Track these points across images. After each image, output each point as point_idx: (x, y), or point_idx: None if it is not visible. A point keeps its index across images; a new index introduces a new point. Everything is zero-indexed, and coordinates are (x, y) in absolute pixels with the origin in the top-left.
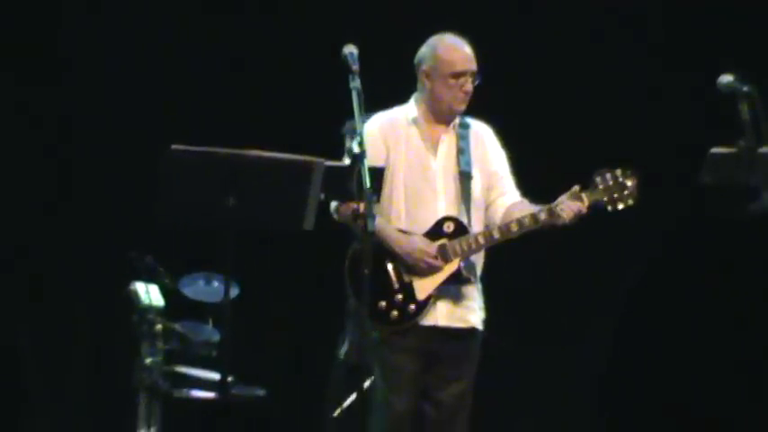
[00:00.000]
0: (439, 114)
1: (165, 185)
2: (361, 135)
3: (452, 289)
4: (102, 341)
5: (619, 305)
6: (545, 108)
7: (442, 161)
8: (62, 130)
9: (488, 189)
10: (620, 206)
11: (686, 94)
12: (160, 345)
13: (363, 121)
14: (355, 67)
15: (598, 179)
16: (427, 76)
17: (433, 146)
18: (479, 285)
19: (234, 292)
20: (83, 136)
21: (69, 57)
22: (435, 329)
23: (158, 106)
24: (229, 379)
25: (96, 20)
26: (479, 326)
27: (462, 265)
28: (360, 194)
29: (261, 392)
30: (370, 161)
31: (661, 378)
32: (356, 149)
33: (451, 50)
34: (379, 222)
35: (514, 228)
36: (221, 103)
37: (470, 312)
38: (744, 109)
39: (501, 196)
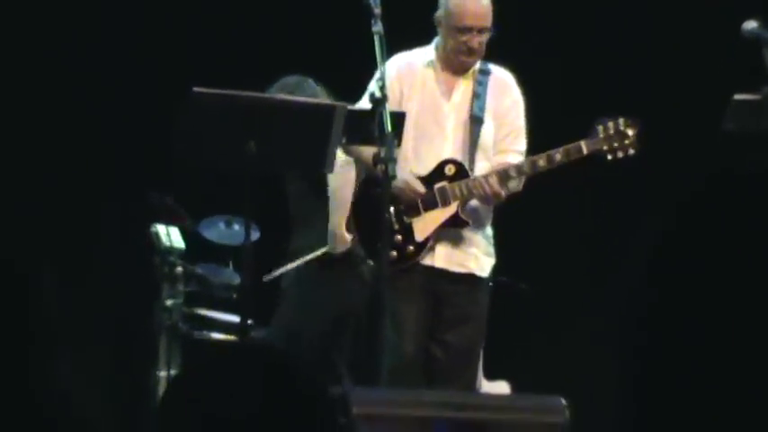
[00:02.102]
0: (450, 63)
1: (186, 128)
2: (383, 79)
3: (452, 232)
4: (122, 283)
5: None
6: (564, 56)
7: (456, 105)
8: (84, 72)
9: (499, 140)
10: (621, 155)
11: (710, 40)
12: (180, 287)
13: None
14: (378, 10)
15: (599, 128)
16: (439, 24)
17: (449, 90)
18: (488, 232)
19: (254, 235)
20: (104, 78)
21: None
22: (433, 270)
23: (181, 47)
24: (249, 322)
25: None
26: (480, 272)
27: (463, 209)
28: (381, 138)
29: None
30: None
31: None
32: (378, 94)
33: (461, 4)
34: (365, 149)
35: (513, 173)
36: (243, 45)
37: (470, 258)
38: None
39: (504, 153)
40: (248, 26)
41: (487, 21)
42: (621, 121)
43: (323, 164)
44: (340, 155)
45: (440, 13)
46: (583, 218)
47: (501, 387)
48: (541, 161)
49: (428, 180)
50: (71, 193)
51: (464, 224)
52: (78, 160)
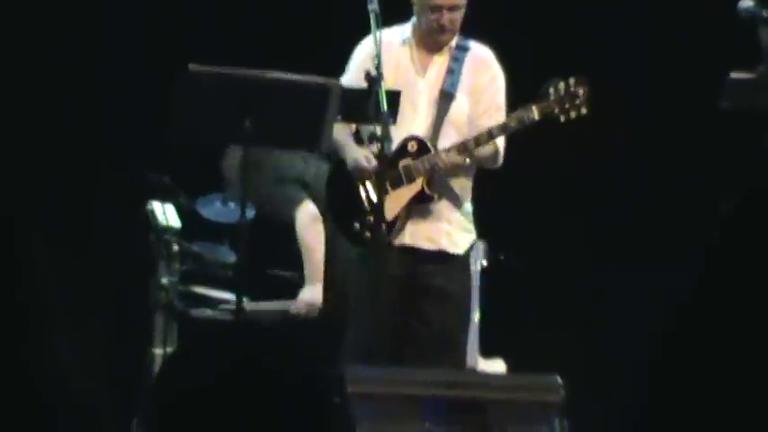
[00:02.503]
0: (425, 41)
1: (182, 106)
2: (379, 57)
3: (422, 209)
4: (119, 261)
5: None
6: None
7: (430, 82)
8: (79, 51)
9: (477, 116)
10: (573, 115)
11: (706, 18)
12: (176, 265)
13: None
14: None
15: (549, 90)
16: (413, 3)
17: (423, 67)
18: (467, 208)
19: (250, 213)
20: (99, 56)
21: None
22: (404, 248)
23: (178, 25)
24: (245, 300)
25: None
26: (453, 249)
27: (430, 184)
28: (376, 117)
29: (277, 306)
30: (357, 82)
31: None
32: (373, 72)
33: None
34: (336, 132)
35: (471, 144)
36: (237, 22)
37: (441, 234)
38: (764, 34)
39: (479, 128)
40: (244, 3)
41: None
42: (572, 80)
43: (318, 142)
44: (310, 210)
45: None
46: (580, 194)
47: (497, 365)
48: (496, 129)
49: (394, 158)
50: (67, 172)
51: (430, 200)
52: (75, 138)
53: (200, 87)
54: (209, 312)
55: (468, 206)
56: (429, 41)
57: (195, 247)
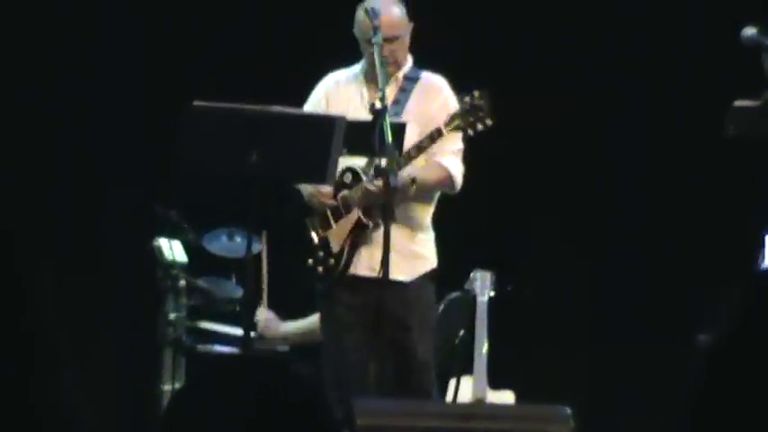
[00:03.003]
0: (372, 75)
1: (186, 141)
2: (383, 90)
3: (364, 238)
4: (126, 296)
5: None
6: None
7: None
8: (88, 85)
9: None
10: (480, 128)
11: (710, 46)
12: (184, 300)
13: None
14: (377, 22)
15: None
16: (356, 39)
17: (371, 99)
18: (420, 235)
19: (256, 247)
20: (108, 90)
21: (94, 15)
22: (356, 279)
23: (185, 59)
24: (252, 334)
25: None
26: (397, 276)
27: (366, 213)
28: (381, 150)
29: (284, 348)
30: None
31: None
32: (378, 105)
33: (365, 15)
34: None
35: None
36: (241, 58)
37: (378, 262)
38: (767, 62)
39: (435, 155)
40: (248, 37)
41: (395, 30)
42: (475, 93)
43: (323, 175)
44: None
45: (354, 28)
46: (588, 224)
47: (506, 397)
48: (413, 151)
49: (335, 191)
50: (75, 207)
51: (366, 227)
52: (82, 173)
53: (206, 122)
54: (216, 347)
55: (422, 235)
56: (375, 75)
57: (202, 283)
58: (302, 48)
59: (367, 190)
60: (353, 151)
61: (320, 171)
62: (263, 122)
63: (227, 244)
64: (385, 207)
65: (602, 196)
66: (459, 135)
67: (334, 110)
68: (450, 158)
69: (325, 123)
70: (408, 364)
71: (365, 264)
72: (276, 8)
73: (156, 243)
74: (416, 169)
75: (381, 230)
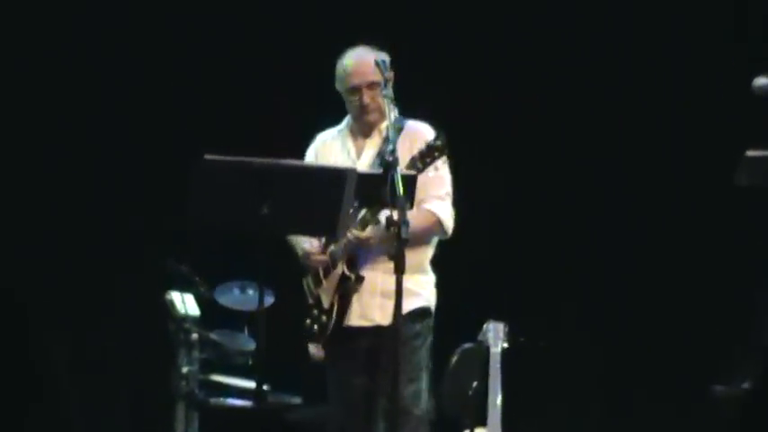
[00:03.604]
0: (358, 128)
1: (198, 195)
2: (393, 143)
3: (349, 290)
4: (139, 350)
5: None
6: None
7: (365, 164)
8: (98, 139)
9: (418, 189)
10: (430, 163)
11: (722, 95)
12: (196, 353)
13: (396, 128)
14: (387, 74)
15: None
16: (339, 93)
17: (358, 154)
18: (419, 277)
19: (268, 300)
20: (118, 145)
21: (101, 67)
22: (351, 330)
23: (194, 112)
24: (265, 387)
25: (122, 25)
26: (386, 321)
27: (350, 266)
28: (393, 201)
29: (297, 400)
30: None
31: None
32: (388, 157)
33: (343, 67)
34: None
35: (368, 216)
36: (251, 111)
37: (374, 309)
38: None
39: (423, 202)
40: (257, 90)
41: (373, 75)
42: (432, 135)
43: (335, 228)
44: None
45: (336, 83)
46: (602, 282)
47: None
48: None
49: (324, 247)
50: (88, 261)
51: (349, 279)
52: (94, 227)
53: (217, 176)
54: (229, 401)
55: (419, 277)
56: (360, 127)
57: (214, 336)
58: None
59: (348, 241)
60: (364, 204)
61: (331, 224)
62: (275, 176)
63: (239, 297)
64: (396, 258)
65: (617, 250)
66: (446, 179)
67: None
68: (437, 203)
69: (337, 176)
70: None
71: (357, 313)
72: (283, 59)
73: (168, 297)
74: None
75: (372, 278)
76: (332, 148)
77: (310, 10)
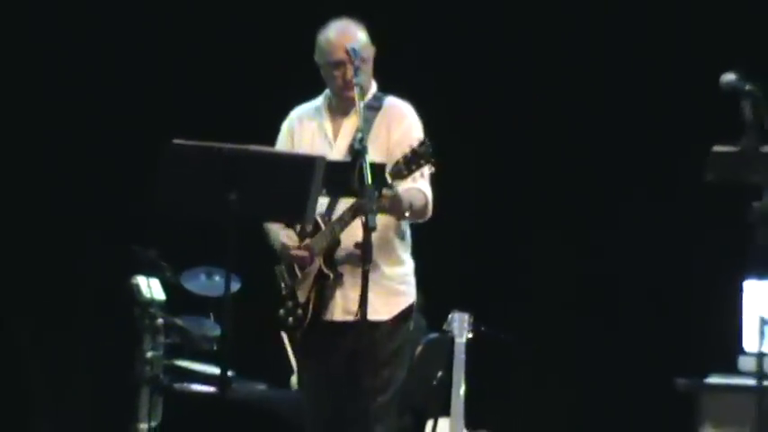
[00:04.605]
0: (338, 103)
1: (166, 180)
2: (362, 131)
3: (326, 288)
4: (103, 335)
5: None
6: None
7: (341, 149)
8: (63, 123)
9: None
10: (416, 170)
11: (690, 91)
12: (161, 339)
13: (365, 117)
14: (357, 62)
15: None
16: (319, 67)
17: (335, 134)
18: (387, 272)
19: (235, 286)
20: (84, 130)
21: (70, 54)
22: (333, 324)
23: (161, 97)
24: (230, 373)
25: (93, 15)
26: (372, 316)
27: (327, 260)
28: (361, 190)
29: (261, 387)
30: None
31: None
32: (357, 145)
33: (327, 39)
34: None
35: (338, 227)
36: (220, 96)
37: (355, 303)
38: (746, 107)
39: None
40: (222, 77)
41: (359, 49)
42: (418, 141)
43: (303, 215)
44: None
45: (316, 54)
46: (565, 269)
47: None
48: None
49: (300, 239)
50: (53, 245)
51: (327, 277)
52: (59, 211)
53: (185, 161)
54: (194, 386)
55: (399, 269)
56: (341, 103)
57: (180, 321)
58: (280, 82)
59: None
60: (332, 191)
61: (299, 211)
62: (243, 161)
63: (205, 282)
64: (364, 247)
65: (584, 240)
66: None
67: (299, 147)
68: (424, 183)
69: (305, 163)
70: (369, 407)
71: (340, 308)
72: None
73: (134, 281)
74: (403, 191)
75: (353, 272)
76: (309, 127)
77: None
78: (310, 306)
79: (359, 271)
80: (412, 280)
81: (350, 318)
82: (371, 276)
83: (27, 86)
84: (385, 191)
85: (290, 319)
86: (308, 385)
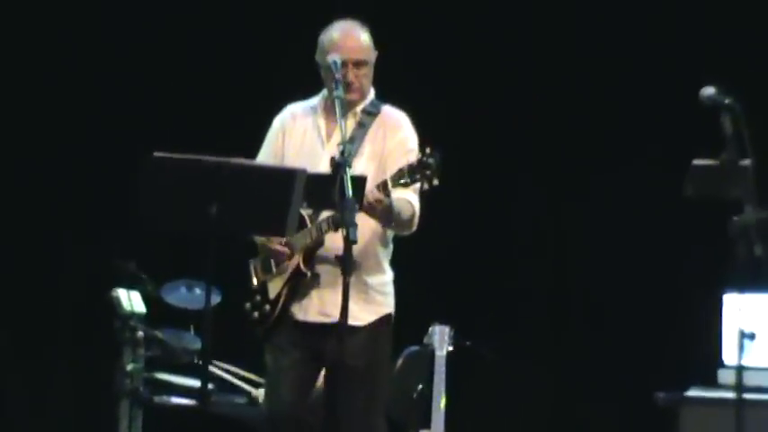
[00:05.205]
0: (333, 103)
1: (146, 192)
2: (343, 144)
3: (301, 286)
4: (83, 348)
5: None
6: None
7: (333, 150)
8: (43, 135)
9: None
10: (426, 186)
11: (670, 105)
12: (141, 351)
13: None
14: (338, 75)
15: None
16: (320, 66)
17: (329, 135)
18: (368, 279)
19: (215, 299)
20: (64, 143)
21: (54, 61)
22: (306, 324)
23: (142, 110)
24: (210, 386)
25: (78, 23)
26: (355, 321)
27: (307, 260)
28: (341, 203)
29: (241, 400)
30: (266, 155)
31: None
32: (338, 158)
33: (333, 39)
34: None
35: (324, 226)
36: (203, 108)
37: (335, 307)
38: (726, 121)
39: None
40: (205, 89)
41: (364, 54)
42: (427, 150)
43: (283, 229)
44: None
45: (317, 54)
46: (546, 282)
47: None
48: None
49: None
50: (33, 258)
51: (304, 276)
52: (40, 224)
53: (166, 174)
54: (174, 399)
55: (380, 277)
56: (334, 103)
57: (160, 334)
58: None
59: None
60: (313, 204)
61: (280, 224)
62: (224, 174)
63: (185, 295)
64: (345, 260)
65: (564, 252)
66: None
67: (290, 143)
68: (412, 195)
69: (286, 176)
70: (345, 417)
71: (316, 309)
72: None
73: (114, 294)
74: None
75: (332, 276)
76: (302, 125)
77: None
78: (280, 302)
79: (338, 273)
80: (391, 290)
81: (326, 320)
82: (353, 281)
83: (1, 101)
84: (382, 195)
85: (256, 313)
86: (270, 381)
